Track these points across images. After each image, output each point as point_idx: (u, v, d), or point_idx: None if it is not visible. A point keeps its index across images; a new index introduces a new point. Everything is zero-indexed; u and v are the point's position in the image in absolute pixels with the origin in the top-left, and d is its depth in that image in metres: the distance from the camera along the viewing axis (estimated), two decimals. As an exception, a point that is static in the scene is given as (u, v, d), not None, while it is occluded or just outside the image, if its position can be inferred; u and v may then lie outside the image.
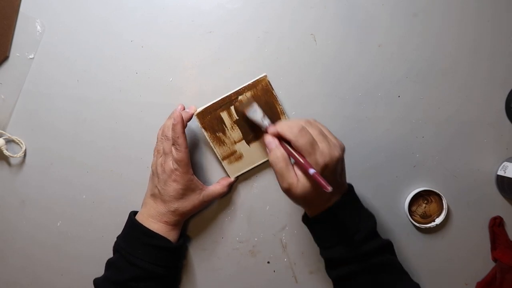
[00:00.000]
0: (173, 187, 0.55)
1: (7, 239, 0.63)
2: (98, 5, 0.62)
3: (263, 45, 0.62)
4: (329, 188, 0.44)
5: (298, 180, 0.47)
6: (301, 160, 0.47)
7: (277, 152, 0.48)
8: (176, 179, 0.55)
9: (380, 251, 0.51)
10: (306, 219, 0.54)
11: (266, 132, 0.52)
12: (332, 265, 0.53)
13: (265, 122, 0.54)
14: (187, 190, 0.56)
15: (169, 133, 0.56)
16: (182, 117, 0.55)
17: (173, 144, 0.55)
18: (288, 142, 0.49)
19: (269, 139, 0.50)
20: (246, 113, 0.56)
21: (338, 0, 0.62)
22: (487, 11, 0.62)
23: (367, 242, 0.50)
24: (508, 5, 0.62)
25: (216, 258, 0.63)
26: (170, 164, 0.55)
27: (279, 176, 0.48)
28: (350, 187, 0.53)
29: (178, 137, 0.54)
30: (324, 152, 0.47)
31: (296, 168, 0.48)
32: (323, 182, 0.45)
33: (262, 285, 0.63)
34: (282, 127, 0.49)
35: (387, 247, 0.53)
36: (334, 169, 0.48)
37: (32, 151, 0.63)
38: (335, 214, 0.50)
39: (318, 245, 0.54)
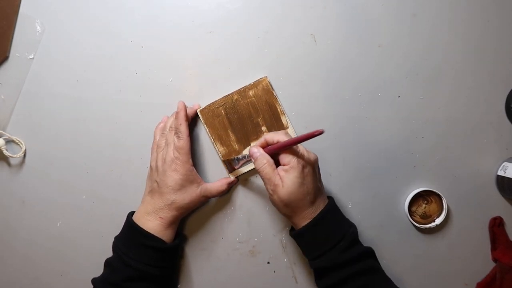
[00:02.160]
0: (172, 177, 0.55)
1: (7, 239, 0.63)
2: (98, 5, 0.62)
3: (263, 45, 0.62)
4: (322, 130, 0.48)
5: (283, 182, 0.51)
6: (286, 142, 0.52)
7: (262, 159, 0.53)
8: (176, 168, 0.55)
9: (365, 256, 0.54)
10: (293, 233, 0.56)
11: (250, 159, 0.55)
12: (321, 275, 0.55)
13: (247, 152, 0.59)
14: (186, 181, 0.56)
15: (173, 124, 0.57)
16: (185, 105, 0.57)
17: (175, 133, 0.56)
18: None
19: (253, 150, 0.54)
20: (236, 166, 0.61)
21: (338, 1, 0.62)
22: (487, 11, 0.62)
23: (352, 248, 0.53)
24: (508, 5, 0.62)
25: (216, 258, 0.63)
26: (171, 153, 0.56)
27: (266, 180, 0.53)
28: (331, 198, 0.56)
29: (180, 124, 0.55)
30: (305, 151, 0.53)
31: (280, 172, 0.52)
32: (315, 131, 0.48)
33: (262, 285, 0.63)
34: (268, 135, 0.55)
35: (370, 253, 0.55)
36: (314, 169, 0.53)
37: (32, 151, 0.63)
38: (321, 223, 0.53)
39: (307, 256, 0.56)
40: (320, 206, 0.53)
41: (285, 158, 0.52)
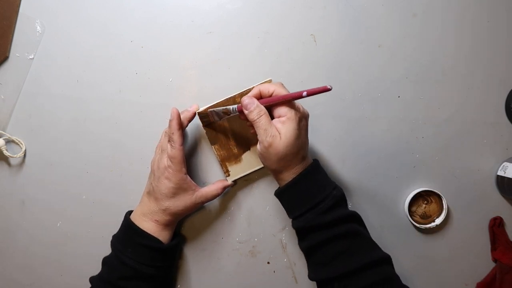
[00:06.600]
0: (165, 185, 0.55)
1: (7, 239, 0.63)
2: (98, 5, 0.62)
3: (263, 46, 0.62)
4: (330, 86, 0.47)
5: (281, 133, 0.50)
6: (289, 95, 0.50)
7: (259, 109, 0.51)
8: (168, 177, 0.54)
9: (347, 220, 0.52)
10: (279, 190, 0.55)
11: (239, 111, 0.53)
12: (302, 236, 0.54)
13: (233, 106, 0.54)
14: (179, 190, 0.55)
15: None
16: (178, 113, 0.55)
17: (168, 141, 0.55)
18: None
19: (248, 100, 0.51)
20: (214, 120, 0.58)
21: (338, 1, 0.62)
22: (487, 11, 0.62)
23: (334, 210, 0.52)
24: (507, 5, 0.62)
25: (216, 258, 0.63)
26: (165, 161, 0.55)
27: (263, 132, 0.50)
28: (316, 161, 0.55)
29: (173, 133, 0.54)
30: (299, 104, 0.52)
31: (276, 124, 0.50)
32: (320, 87, 0.47)
33: (262, 285, 0.63)
34: (262, 86, 0.53)
35: (354, 218, 0.54)
36: (307, 125, 0.53)
37: (32, 151, 0.63)
38: (304, 180, 0.52)
39: (290, 216, 0.55)
40: (308, 163, 0.53)
41: (281, 110, 0.50)
